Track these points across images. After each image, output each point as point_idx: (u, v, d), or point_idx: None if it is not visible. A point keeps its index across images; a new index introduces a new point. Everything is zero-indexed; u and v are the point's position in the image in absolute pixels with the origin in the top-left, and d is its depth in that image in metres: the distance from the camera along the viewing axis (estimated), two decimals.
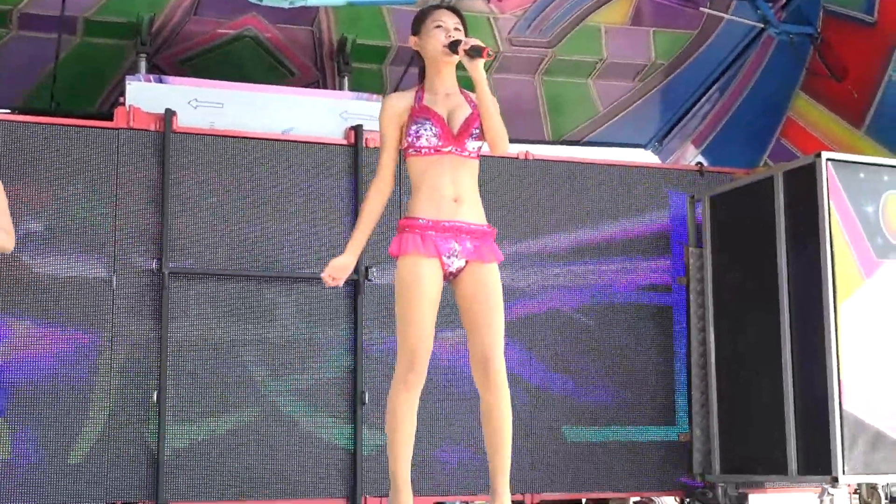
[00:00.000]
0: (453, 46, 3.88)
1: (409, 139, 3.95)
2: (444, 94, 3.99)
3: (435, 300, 3.90)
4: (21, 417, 5.20)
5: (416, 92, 4.03)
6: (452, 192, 3.92)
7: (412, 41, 4.07)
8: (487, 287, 3.92)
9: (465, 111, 3.94)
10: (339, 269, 3.99)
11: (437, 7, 4.10)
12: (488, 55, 3.80)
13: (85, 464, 5.27)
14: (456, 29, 3.98)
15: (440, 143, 3.92)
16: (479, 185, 4.05)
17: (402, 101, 4.02)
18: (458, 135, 3.91)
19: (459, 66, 3.95)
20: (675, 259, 6.32)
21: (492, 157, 6.00)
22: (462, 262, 3.92)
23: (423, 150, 3.93)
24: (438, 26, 3.97)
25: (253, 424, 5.52)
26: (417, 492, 5.62)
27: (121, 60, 6.66)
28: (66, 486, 5.23)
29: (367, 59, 6.87)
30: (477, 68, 3.83)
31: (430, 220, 3.90)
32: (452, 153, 3.92)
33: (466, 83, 3.93)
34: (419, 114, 3.93)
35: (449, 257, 3.90)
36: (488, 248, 3.96)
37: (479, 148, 3.97)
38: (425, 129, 3.92)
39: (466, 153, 3.95)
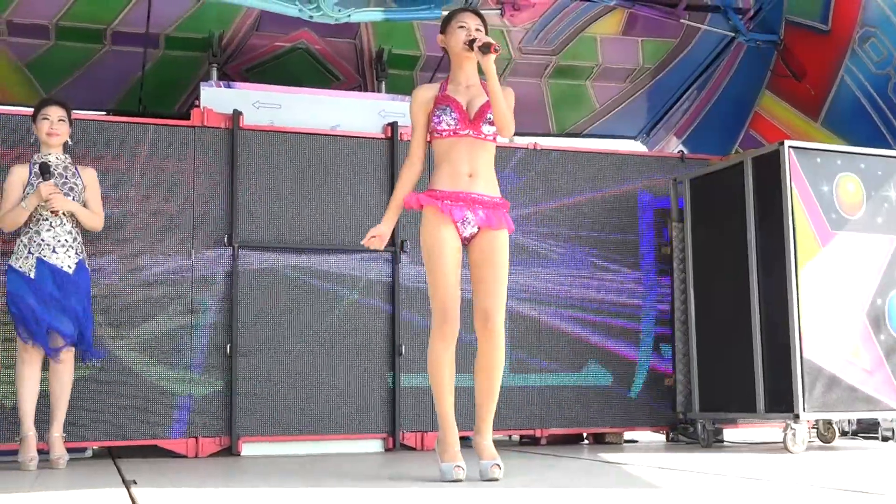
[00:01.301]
0: (470, 44, 3.86)
1: (433, 123, 3.95)
2: (466, 85, 3.98)
3: (456, 260, 3.87)
4: (120, 364, 5.23)
5: (442, 84, 4.02)
6: (468, 168, 3.90)
7: (439, 38, 4.06)
8: (495, 252, 3.89)
9: (481, 100, 3.92)
10: (377, 235, 3.96)
11: (463, 10, 4.08)
12: (495, 50, 3.78)
13: (172, 404, 5.29)
14: (477, 29, 3.95)
15: (458, 127, 3.90)
16: (498, 170, 4.02)
17: (428, 92, 4.01)
18: (474, 119, 3.89)
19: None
20: (659, 231, 6.29)
21: (508, 147, 6.05)
22: (475, 229, 3.90)
23: (444, 133, 3.92)
24: (461, 26, 3.95)
25: (307, 372, 5.53)
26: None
27: (196, 70, 6.66)
28: (156, 421, 5.26)
29: (401, 66, 6.86)
30: (487, 62, 3.81)
31: (448, 191, 3.87)
32: (469, 136, 3.91)
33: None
34: (442, 101, 3.92)
35: (463, 224, 3.87)
36: (498, 217, 3.92)
37: (495, 132, 3.92)
38: (446, 115, 3.91)
39: (482, 136, 3.92)
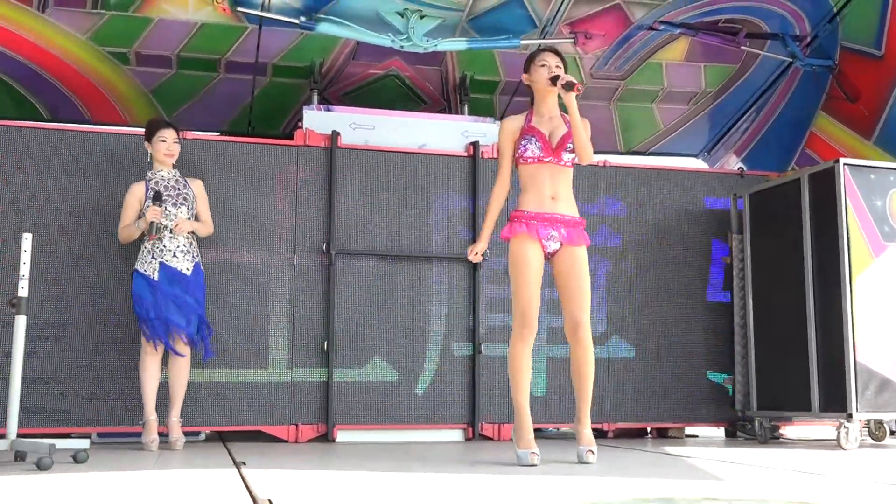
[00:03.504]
0: (554, 80, 3.94)
1: (520, 151, 4.04)
2: (548, 117, 4.07)
3: (539, 271, 3.97)
4: (230, 359, 5.32)
5: (527, 115, 4.14)
6: (551, 191, 4.01)
7: (524, 77, 4.19)
8: (577, 265, 3.99)
9: (562, 130, 4.02)
10: (477, 250, 4.15)
11: (544, 50, 4.16)
12: (578, 90, 3.85)
13: (272, 395, 5.36)
14: (557, 66, 4.06)
15: (542, 155, 4.02)
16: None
17: (515, 123, 4.11)
18: (556, 148, 4.00)
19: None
20: (721, 243, 6.19)
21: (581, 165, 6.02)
22: (557, 245, 4.00)
23: (529, 160, 4.01)
24: (543, 65, 4.07)
25: (395, 367, 5.56)
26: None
27: (299, 95, 6.75)
28: (261, 409, 5.33)
29: (482, 90, 6.86)
30: (570, 98, 3.92)
31: (534, 212, 3.98)
32: (552, 162, 4.01)
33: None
34: (528, 132, 4.03)
35: (547, 241, 3.98)
36: (578, 234, 4.03)
37: (573, 159, 4.03)
38: (532, 144, 4.01)
39: (563, 162, 4.04)
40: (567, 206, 4.03)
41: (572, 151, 4.00)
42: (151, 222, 4.68)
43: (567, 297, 3.99)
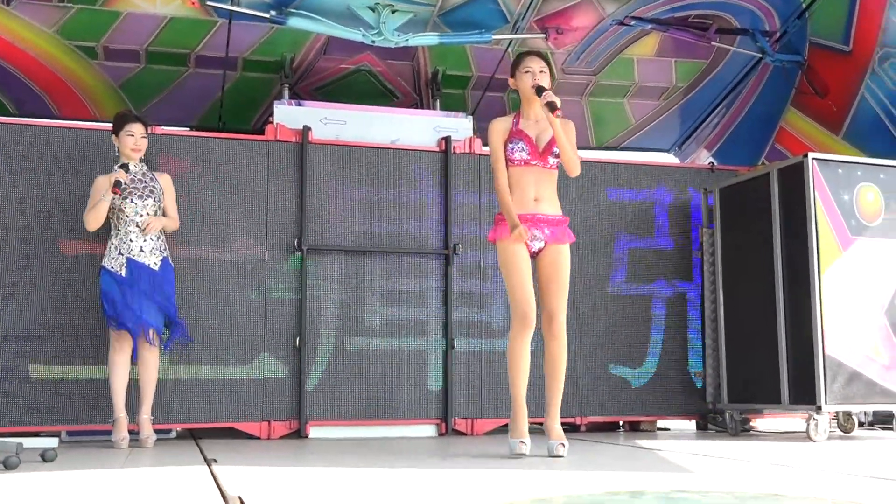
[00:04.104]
0: (539, 91, 4.05)
1: (507, 152, 4.16)
2: (535, 120, 4.22)
3: (529, 268, 4.09)
4: (201, 355, 5.29)
5: (514, 118, 4.24)
6: (535, 192, 4.14)
7: (510, 82, 4.36)
8: (560, 262, 4.13)
9: (548, 134, 4.18)
10: (520, 230, 4.02)
11: (528, 54, 4.28)
12: (558, 114, 3.97)
13: (244, 391, 5.34)
14: (541, 72, 4.18)
15: (529, 158, 4.14)
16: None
17: (504, 124, 4.22)
18: (542, 152, 4.13)
19: None
20: (691, 237, 6.23)
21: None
22: (542, 244, 4.13)
23: (516, 162, 4.16)
24: (527, 71, 4.19)
25: (368, 363, 5.55)
26: (491, 414, 5.65)
27: (270, 89, 6.71)
28: (233, 405, 5.31)
29: (454, 85, 6.85)
30: (551, 118, 4.01)
31: (518, 213, 4.09)
32: (538, 166, 4.14)
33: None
34: (516, 135, 4.16)
35: (532, 241, 4.10)
36: (562, 232, 4.16)
37: (558, 162, 4.14)
38: (519, 147, 4.14)
39: (549, 166, 4.16)
40: (550, 206, 4.14)
41: (556, 156, 4.11)
42: (117, 181, 4.62)
43: (546, 292, 4.10)
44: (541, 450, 4.08)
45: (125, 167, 4.74)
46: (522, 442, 3.97)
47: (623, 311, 6.04)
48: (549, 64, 4.21)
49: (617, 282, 6.05)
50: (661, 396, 6.03)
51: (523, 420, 4.05)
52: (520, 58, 4.23)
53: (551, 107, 3.95)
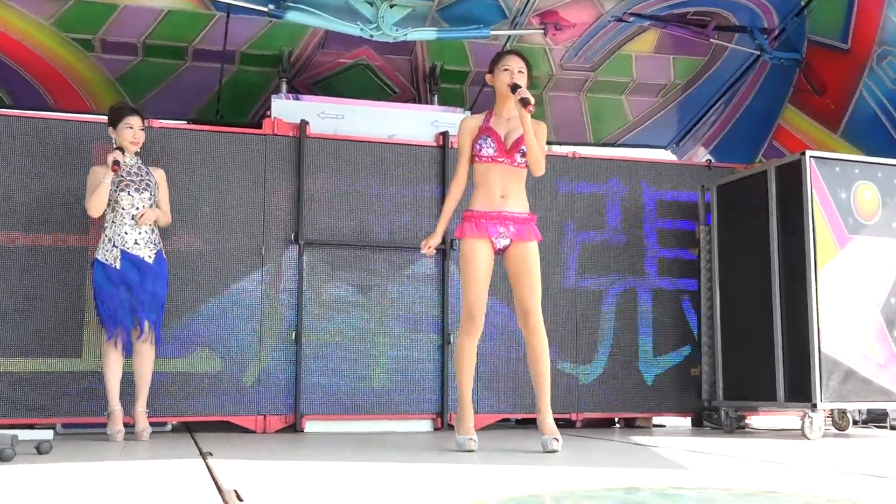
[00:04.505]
0: (513, 89, 4.08)
1: (475, 150, 4.19)
2: (506, 118, 4.24)
3: (487, 270, 4.13)
4: (197, 348, 5.29)
5: (487, 115, 4.28)
6: (501, 190, 4.16)
7: (487, 77, 4.38)
8: (528, 260, 4.15)
9: (518, 132, 4.22)
10: (431, 244, 4.24)
11: (508, 53, 4.31)
12: (530, 110, 4.00)
13: (240, 385, 5.34)
14: (520, 72, 4.19)
15: (496, 155, 4.16)
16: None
17: (474, 122, 4.25)
18: (509, 149, 4.17)
19: None
20: (688, 234, 6.23)
21: (552, 154, 6.06)
22: (507, 241, 4.16)
23: (483, 159, 4.18)
24: (506, 69, 4.21)
25: (365, 357, 5.56)
26: (486, 409, 5.66)
27: (267, 83, 6.71)
28: (229, 399, 5.31)
29: (452, 80, 6.85)
30: (523, 114, 4.03)
31: (483, 210, 4.13)
32: (505, 163, 4.16)
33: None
34: (485, 132, 4.20)
35: (497, 238, 4.14)
36: (528, 230, 4.18)
37: (525, 161, 4.14)
38: (487, 144, 4.16)
39: (516, 164, 4.18)
40: (517, 204, 4.17)
41: (524, 155, 4.13)
42: (116, 160, 4.61)
43: (518, 289, 4.14)
44: (535, 445, 4.09)
45: (121, 149, 4.72)
46: (471, 439, 4.05)
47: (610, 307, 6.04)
48: (529, 66, 4.23)
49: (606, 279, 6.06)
50: (657, 393, 6.04)
51: (470, 418, 4.15)
52: (500, 56, 4.26)
53: (524, 102, 3.98)
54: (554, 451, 3.93)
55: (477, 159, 4.16)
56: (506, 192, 4.13)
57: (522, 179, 4.20)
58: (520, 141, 4.11)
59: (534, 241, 4.15)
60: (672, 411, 6.15)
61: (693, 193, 6.24)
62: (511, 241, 4.12)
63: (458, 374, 4.16)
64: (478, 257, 4.08)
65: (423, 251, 4.23)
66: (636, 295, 6.09)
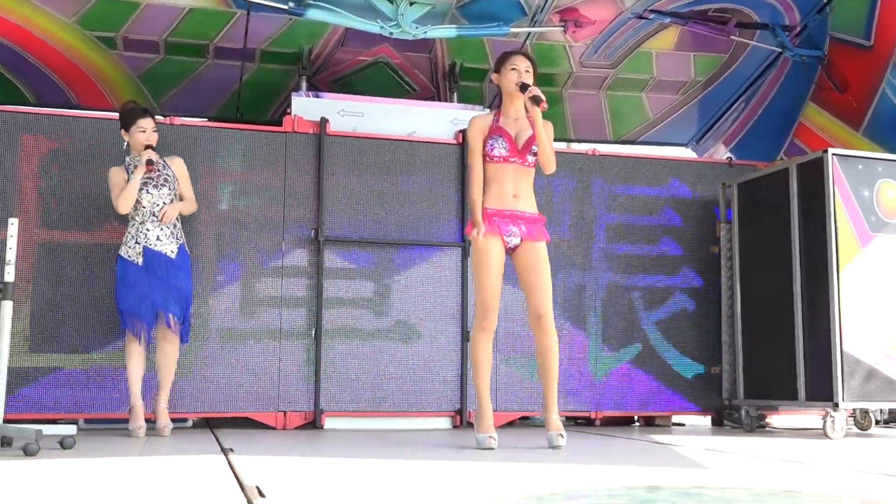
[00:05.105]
0: (523, 88, 4.12)
1: (487, 149, 4.20)
2: (515, 118, 4.27)
3: (500, 267, 4.15)
4: (217, 345, 5.31)
5: (495, 115, 4.29)
6: (513, 189, 4.19)
7: (494, 77, 4.41)
8: (537, 260, 4.17)
9: (528, 132, 4.23)
10: (480, 231, 4.10)
11: (514, 53, 4.34)
12: (544, 107, 4.03)
13: (260, 381, 5.35)
14: (526, 71, 4.22)
15: (508, 155, 4.19)
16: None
17: (484, 121, 4.26)
18: (521, 149, 4.20)
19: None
20: (709, 232, 6.20)
21: (571, 153, 6.06)
22: (518, 241, 4.18)
23: (495, 158, 4.20)
24: (513, 69, 4.23)
25: (384, 354, 5.56)
26: (505, 407, 5.65)
27: (287, 81, 6.73)
28: (249, 395, 5.33)
29: (471, 78, 6.85)
30: (535, 111, 4.07)
31: (496, 209, 4.15)
32: (516, 163, 4.19)
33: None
34: (495, 132, 4.22)
35: (508, 236, 4.16)
36: (538, 230, 4.22)
37: (535, 160, 4.19)
38: (498, 144, 4.18)
39: (527, 163, 4.22)
40: (527, 204, 4.20)
41: (535, 154, 4.16)
42: (149, 159, 4.67)
43: (529, 289, 4.16)
44: (541, 442, 4.11)
45: (151, 147, 4.77)
46: (491, 437, 4.04)
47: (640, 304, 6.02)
48: (535, 66, 4.24)
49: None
50: (677, 391, 6.02)
51: (489, 414, 4.14)
52: (505, 56, 4.27)
53: (536, 100, 4.00)
54: (559, 447, 4.00)
55: (488, 159, 4.18)
56: (517, 192, 4.16)
57: (531, 179, 4.24)
58: (531, 140, 4.15)
59: (543, 242, 4.18)
60: (692, 410, 6.12)
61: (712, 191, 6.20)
62: (522, 240, 4.15)
63: (475, 370, 4.17)
64: (491, 253, 4.09)
65: (479, 236, 4.07)
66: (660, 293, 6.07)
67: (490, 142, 4.16)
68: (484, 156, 4.19)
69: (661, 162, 6.29)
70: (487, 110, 6.12)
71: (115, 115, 5.08)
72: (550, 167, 4.14)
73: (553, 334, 4.13)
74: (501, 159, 4.15)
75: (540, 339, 4.14)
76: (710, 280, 6.14)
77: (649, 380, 5.98)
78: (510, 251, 4.17)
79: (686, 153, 7.97)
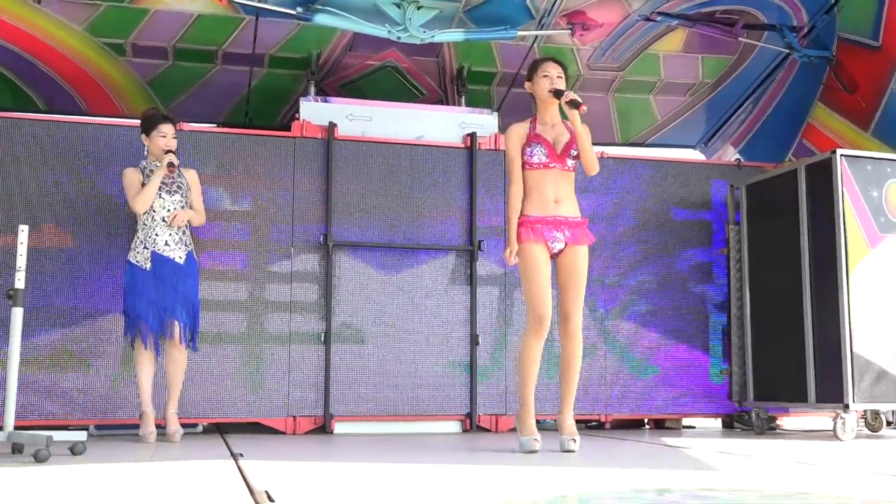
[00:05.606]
0: (557, 94, 4.15)
1: (526, 157, 4.23)
2: (551, 124, 4.29)
3: (548, 272, 4.16)
4: (227, 350, 5.32)
5: (531, 122, 4.32)
6: (554, 195, 4.21)
7: (526, 85, 4.42)
8: (579, 263, 4.20)
9: (565, 137, 4.24)
10: (514, 251, 4.16)
11: (546, 59, 4.34)
12: (583, 110, 4.05)
13: (270, 387, 5.36)
14: (559, 77, 4.25)
15: (548, 161, 4.21)
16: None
17: (522, 129, 4.28)
18: (560, 154, 4.21)
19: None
20: (717, 234, 6.19)
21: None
22: (562, 245, 4.20)
23: (535, 166, 4.22)
24: (545, 76, 4.25)
25: (394, 359, 5.56)
26: (515, 411, 5.64)
27: (296, 86, 6.74)
28: (259, 401, 5.33)
29: (479, 81, 6.84)
30: (574, 115, 4.09)
31: (539, 216, 4.17)
32: (557, 168, 4.21)
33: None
34: (533, 139, 4.24)
35: (552, 242, 4.17)
36: (582, 233, 4.23)
37: (575, 164, 4.23)
38: (538, 151, 4.20)
39: (566, 168, 4.24)
40: (569, 208, 4.22)
41: (575, 157, 4.19)
42: (171, 162, 4.72)
43: (564, 292, 4.19)
44: (553, 445, 4.10)
45: (173, 151, 4.81)
46: (535, 439, 4.06)
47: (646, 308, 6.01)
48: (566, 71, 4.28)
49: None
50: (687, 394, 6.00)
51: (532, 418, 4.15)
52: (538, 63, 4.30)
53: (574, 104, 4.01)
54: (572, 451, 4.00)
55: (528, 167, 4.20)
56: (559, 197, 4.18)
57: (572, 182, 4.26)
58: (569, 145, 4.17)
59: (586, 245, 4.20)
60: (702, 413, 6.10)
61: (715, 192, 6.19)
62: (566, 244, 4.16)
63: (523, 373, 4.16)
64: (539, 260, 4.11)
65: (510, 261, 4.15)
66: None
67: (528, 149, 4.19)
68: (523, 164, 4.21)
69: (669, 164, 6.27)
70: (496, 113, 6.13)
71: (124, 121, 5.10)
72: (594, 169, 4.18)
73: (579, 339, 4.17)
74: (541, 165, 4.18)
75: (566, 344, 4.17)
76: (719, 282, 6.12)
77: (659, 382, 5.96)
78: (554, 256, 4.19)
79: (694, 155, 7.95)
